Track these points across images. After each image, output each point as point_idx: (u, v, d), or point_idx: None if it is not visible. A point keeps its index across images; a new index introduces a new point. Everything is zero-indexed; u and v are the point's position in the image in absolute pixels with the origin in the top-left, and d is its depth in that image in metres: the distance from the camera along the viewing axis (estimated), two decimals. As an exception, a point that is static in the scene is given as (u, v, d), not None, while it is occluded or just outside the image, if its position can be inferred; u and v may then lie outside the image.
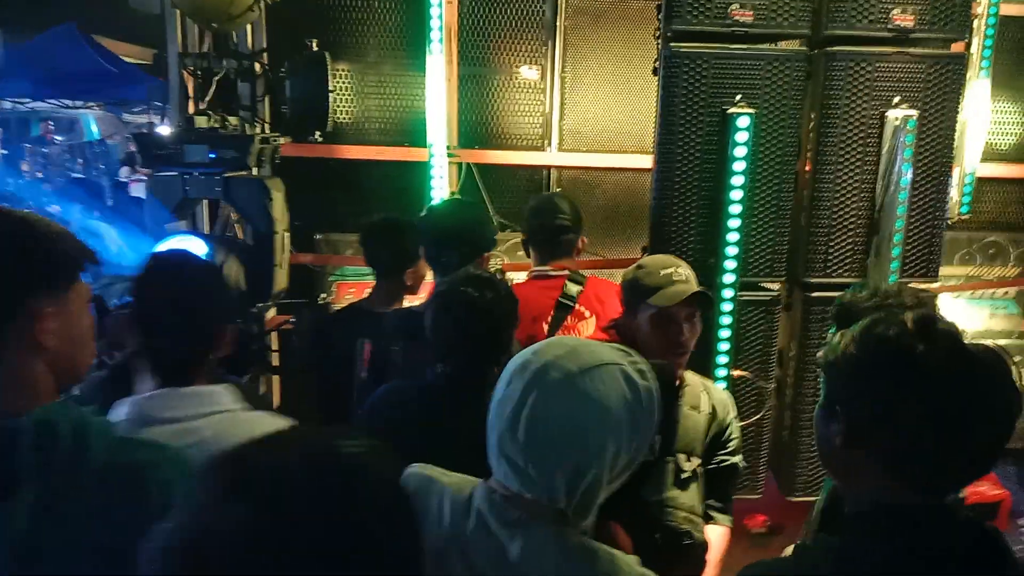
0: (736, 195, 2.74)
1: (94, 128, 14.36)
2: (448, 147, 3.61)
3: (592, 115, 3.80)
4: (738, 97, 2.73)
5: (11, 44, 10.64)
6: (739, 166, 2.72)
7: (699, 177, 2.80)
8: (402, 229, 2.67)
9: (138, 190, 10.33)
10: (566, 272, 2.83)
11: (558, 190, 3.85)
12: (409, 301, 2.75)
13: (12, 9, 10.90)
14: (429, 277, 2.70)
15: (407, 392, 1.94)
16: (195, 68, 3.29)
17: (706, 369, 2.69)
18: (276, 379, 3.71)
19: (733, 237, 2.77)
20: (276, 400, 3.77)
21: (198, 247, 2.47)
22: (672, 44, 2.73)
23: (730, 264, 2.78)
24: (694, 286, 2.12)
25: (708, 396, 2.21)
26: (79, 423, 1.08)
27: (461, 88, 3.67)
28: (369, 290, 2.80)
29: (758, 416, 2.93)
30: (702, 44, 2.73)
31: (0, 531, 1.00)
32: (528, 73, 3.75)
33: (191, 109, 3.26)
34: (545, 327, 2.73)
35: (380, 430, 1.85)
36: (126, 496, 1.08)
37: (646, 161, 3.59)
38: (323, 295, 3.63)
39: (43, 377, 1.10)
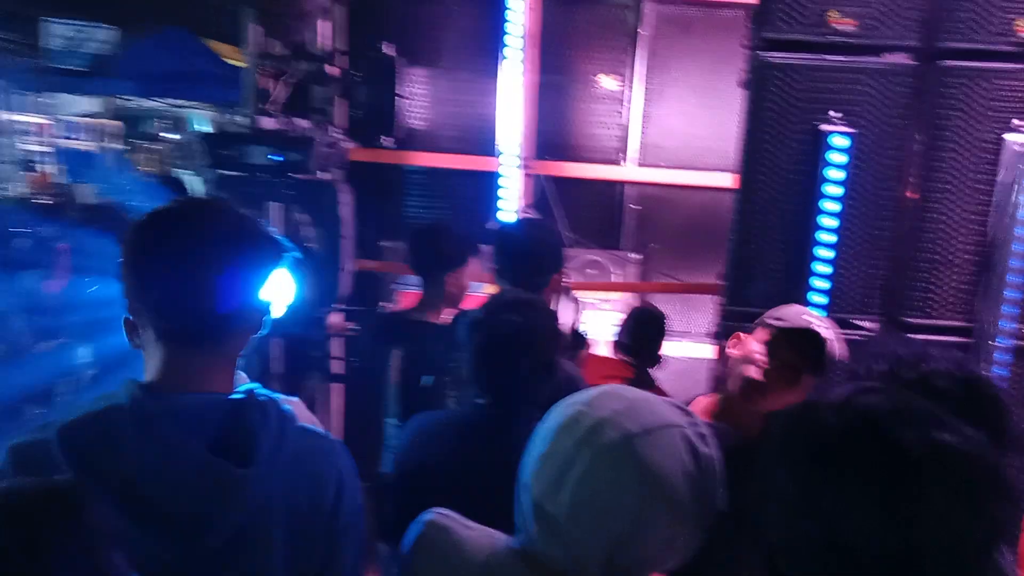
0: (828, 222, 2.49)
1: (199, 126, 14.99)
2: (521, 157, 3.47)
3: (674, 129, 3.59)
4: (834, 114, 2.48)
5: (126, 45, 11.18)
6: (833, 190, 2.47)
7: (786, 200, 2.56)
8: (439, 232, 2.57)
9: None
10: None
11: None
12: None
13: (129, 12, 11.46)
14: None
15: (442, 427, 1.80)
16: (270, 69, 3.28)
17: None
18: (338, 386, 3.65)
19: (823, 268, 2.51)
20: (337, 406, 3.71)
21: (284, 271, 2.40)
22: (762, 53, 2.51)
23: (818, 299, 2.53)
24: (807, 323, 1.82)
25: None
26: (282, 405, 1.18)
27: (537, 97, 3.52)
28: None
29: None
30: (795, 54, 2.50)
31: (238, 495, 1.08)
32: (608, 83, 3.58)
33: (268, 110, 3.24)
34: None
35: (413, 472, 1.74)
36: (311, 480, 1.16)
37: (729, 180, 3.37)
38: (383, 303, 3.54)
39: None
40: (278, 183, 2.67)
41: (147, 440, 1.05)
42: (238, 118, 3.44)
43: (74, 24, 10.17)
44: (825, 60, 2.49)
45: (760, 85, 2.53)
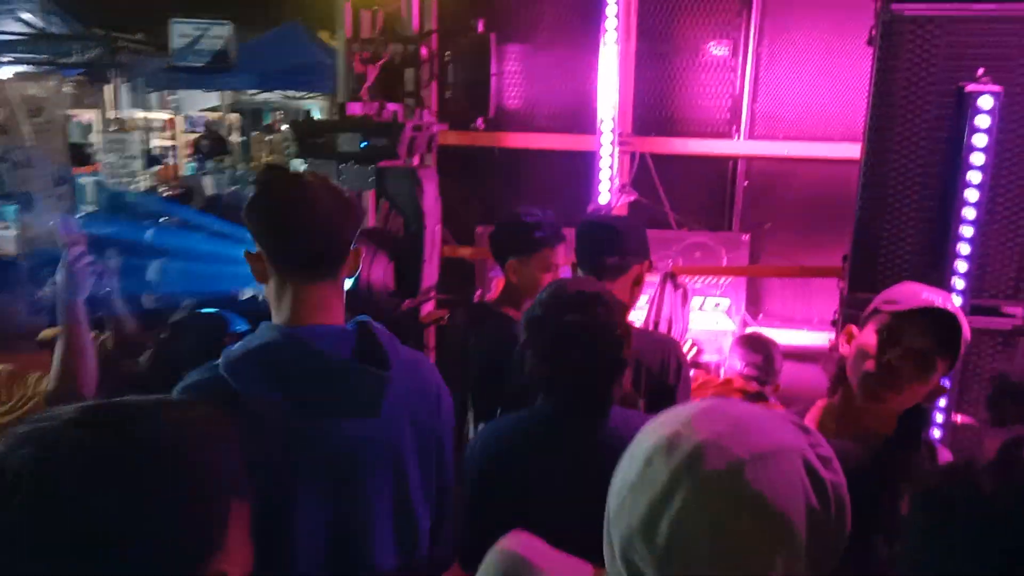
0: (972, 195, 2.17)
1: (318, 116, 15.50)
2: (620, 134, 3.27)
3: (791, 96, 3.27)
4: (980, 71, 2.15)
5: (242, 41, 11.63)
6: (978, 158, 2.15)
7: (922, 171, 2.26)
8: (511, 221, 2.42)
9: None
10: None
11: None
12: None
13: (244, 8, 11.90)
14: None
15: (510, 435, 1.69)
16: (363, 53, 3.21)
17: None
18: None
19: (965, 248, 2.20)
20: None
21: None
22: (895, 5, 2.20)
23: (959, 282, 2.22)
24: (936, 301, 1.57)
25: (933, 463, 1.68)
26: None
27: (638, 68, 3.30)
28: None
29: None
30: (934, 4, 2.18)
31: (385, 390, 1.34)
32: (717, 49, 3.30)
33: (365, 96, 3.18)
34: None
35: (482, 486, 1.65)
36: (423, 386, 1.47)
37: (855, 150, 3.04)
38: (479, 290, 3.43)
39: None
40: (366, 171, 2.59)
41: (305, 358, 1.29)
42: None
43: (195, 22, 10.61)
44: (970, 9, 2.16)
45: (891, 41, 2.23)
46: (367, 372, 1.32)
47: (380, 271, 2.56)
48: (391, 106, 3.02)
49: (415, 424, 1.42)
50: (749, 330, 3.46)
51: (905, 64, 2.22)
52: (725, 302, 3.47)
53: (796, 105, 3.27)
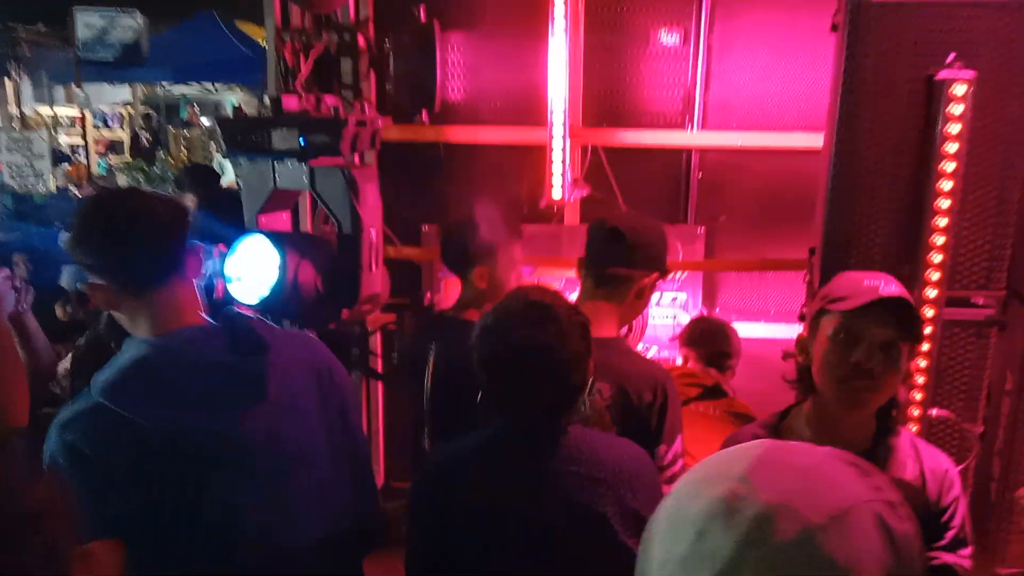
0: (945, 185, 2.11)
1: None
2: (571, 127, 3.13)
3: (745, 85, 3.19)
4: (951, 57, 2.09)
5: (155, 32, 11.05)
6: (951, 147, 2.09)
7: (894, 162, 2.19)
8: (462, 226, 2.30)
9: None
10: None
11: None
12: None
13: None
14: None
15: (452, 452, 1.59)
16: (294, 43, 2.98)
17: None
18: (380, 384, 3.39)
19: (940, 239, 2.14)
20: (379, 407, 3.45)
21: (267, 251, 2.12)
22: (862, -10, 2.12)
23: (934, 274, 2.16)
24: (891, 291, 1.52)
25: (919, 462, 1.62)
26: None
27: (588, 59, 3.16)
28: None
29: (961, 467, 2.29)
30: (903, -12, 2.11)
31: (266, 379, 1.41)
32: (667, 38, 3.19)
33: (300, 88, 2.94)
34: None
35: (424, 504, 1.57)
36: (309, 355, 1.58)
37: (812, 140, 2.98)
38: (428, 293, 3.25)
39: None
40: (300, 170, 2.37)
41: (179, 364, 1.32)
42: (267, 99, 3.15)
43: (100, 11, 9.99)
44: (940, -7, 2.10)
45: (859, 28, 2.14)
46: (244, 361, 1.37)
47: (308, 279, 2.35)
48: (329, 100, 2.80)
49: (315, 402, 1.46)
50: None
51: (873, 51, 2.14)
52: (682, 296, 3.38)
53: (750, 94, 3.19)
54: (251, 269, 2.28)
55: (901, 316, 1.46)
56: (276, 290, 2.27)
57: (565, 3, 2.99)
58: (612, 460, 1.50)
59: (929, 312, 2.16)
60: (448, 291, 3.24)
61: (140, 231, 1.35)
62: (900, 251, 2.22)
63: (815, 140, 2.85)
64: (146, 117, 13.54)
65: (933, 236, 2.15)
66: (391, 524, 1.70)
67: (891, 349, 1.46)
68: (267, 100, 2.78)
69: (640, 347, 2.99)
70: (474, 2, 3.19)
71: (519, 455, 1.50)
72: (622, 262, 1.95)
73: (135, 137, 12.73)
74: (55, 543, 0.77)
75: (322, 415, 1.47)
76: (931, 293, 2.18)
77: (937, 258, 2.15)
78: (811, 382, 1.58)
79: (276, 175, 2.52)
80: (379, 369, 3.27)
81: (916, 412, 2.22)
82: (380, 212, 2.64)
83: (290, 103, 2.53)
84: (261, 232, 2.14)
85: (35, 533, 0.74)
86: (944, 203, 2.12)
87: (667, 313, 3.38)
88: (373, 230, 2.53)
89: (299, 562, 1.43)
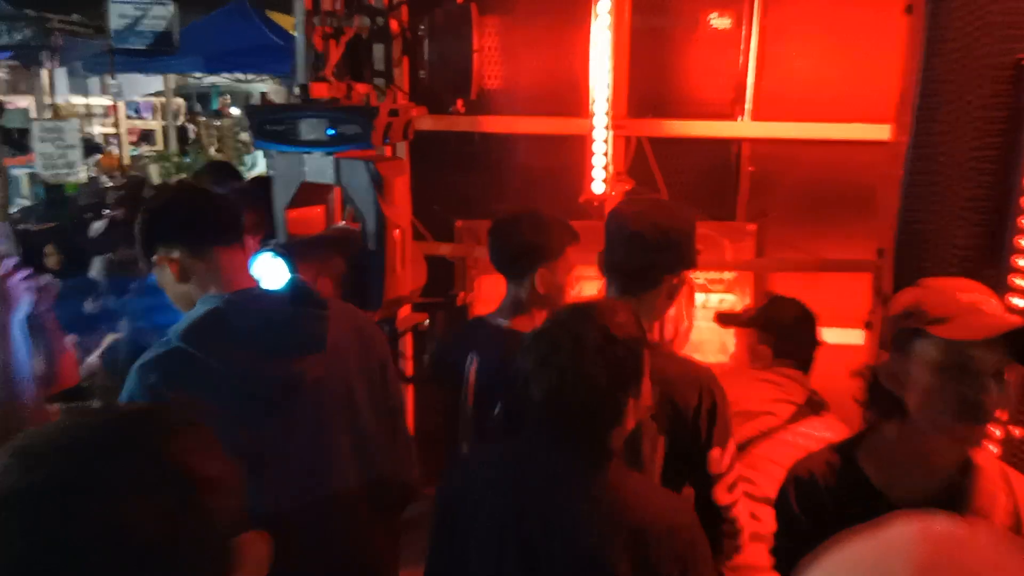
0: (1036, 182, 1.91)
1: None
2: (614, 117, 2.95)
3: (799, 74, 2.98)
4: (1044, 40, 1.89)
5: (186, 22, 11.02)
6: (1043, 140, 1.89)
7: (976, 155, 1.99)
8: (521, 220, 2.14)
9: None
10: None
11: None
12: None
13: (186, -14, 11.28)
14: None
15: (477, 460, 1.59)
16: (324, 28, 2.83)
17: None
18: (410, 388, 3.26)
19: (1026, 242, 1.95)
20: (409, 411, 3.32)
21: (279, 271, 1.98)
22: (945, -34, 1.93)
23: (1019, 280, 1.97)
24: (1012, 317, 1.36)
25: (1011, 496, 1.44)
26: None
27: (633, 44, 2.97)
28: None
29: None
30: (990, -36, 1.91)
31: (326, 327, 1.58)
32: (718, 22, 3.00)
33: (330, 76, 2.80)
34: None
35: (443, 512, 1.51)
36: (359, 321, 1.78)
37: (873, 131, 2.78)
38: (462, 293, 3.10)
39: None
40: (328, 162, 2.23)
41: (249, 313, 1.48)
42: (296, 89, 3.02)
43: (134, 2, 9.96)
44: (1033, -32, 1.90)
45: (940, 10, 1.95)
46: (307, 314, 1.52)
47: (326, 291, 2.21)
48: (360, 88, 2.66)
49: (358, 355, 1.60)
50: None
51: (956, 34, 1.95)
52: (730, 298, 3.20)
53: (805, 82, 2.98)
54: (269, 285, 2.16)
55: (1012, 339, 1.28)
56: None
57: (609, -15, 2.82)
58: (643, 513, 1.38)
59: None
60: (482, 291, 3.09)
61: (212, 196, 1.66)
62: (981, 255, 2.03)
63: (876, 131, 2.68)
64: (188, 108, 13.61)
65: (1019, 238, 1.95)
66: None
67: (1001, 376, 1.29)
68: (296, 89, 2.65)
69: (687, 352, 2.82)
70: (512, -16, 3.02)
71: (545, 482, 1.40)
72: (646, 266, 1.78)
73: (182, 128, 12.78)
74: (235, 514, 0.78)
75: (364, 369, 1.60)
76: (1017, 302, 1.98)
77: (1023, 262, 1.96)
78: (896, 406, 1.41)
79: (305, 167, 2.40)
80: (409, 372, 3.14)
81: (997, 432, 2.03)
82: (409, 208, 2.50)
83: (319, 91, 2.40)
84: (271, 250, 2.01)
85: (222, 499, 0.76)
86: (1034, 201, 1.92)
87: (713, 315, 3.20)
88: (399, 228, 2.38)
89: (340, 509, 1.52)
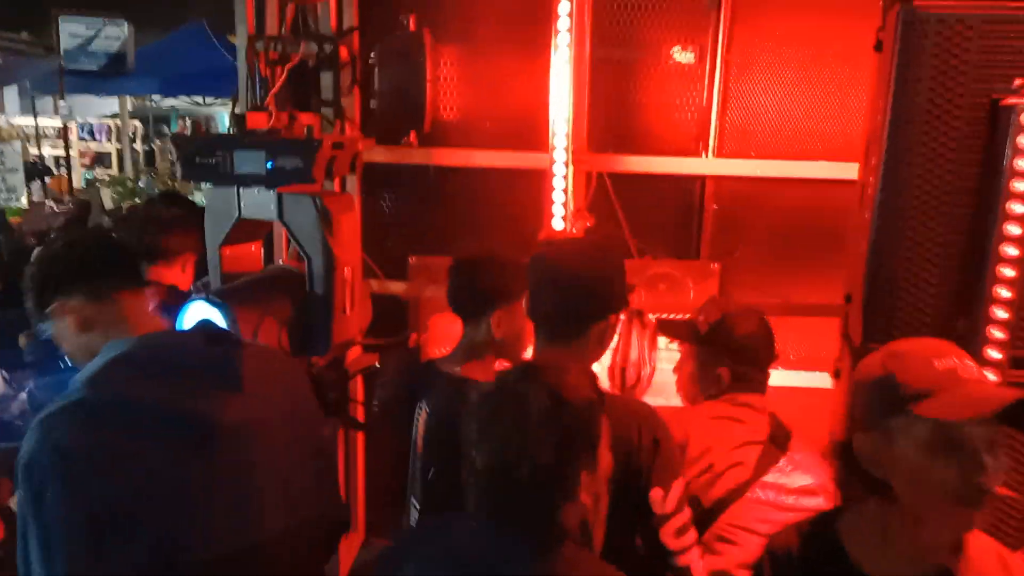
0: (1013, 229, 1.82)
1: (228, 124, 14.58)
2: (573, 152, 2.84)
3: (765, 110, 2.90)
4: (1019, 82, 1.81)
5: (142, 43, 10.78)
6: (1020, 185, 1.80)
7: (950, 200, 1.90)
8: (481, 263, 2.08)
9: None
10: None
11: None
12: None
13: (143, 9, 11.04)
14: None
15: (413, 540, 1.43)
16: (269, 54, 2.68)
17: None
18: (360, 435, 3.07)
19: (1003, 291, 1.85)
20: (359, 457, 3.13)
21: (215, 316, 1.81)
22: (917, 1, 1.84)
23: (997, 332, 1.87)
24: (1003, 389, 1.25)
25: None
26: None
27: (594, 77, 2.87)
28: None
29: (1024, 552, 1.99)
30: (964, 2, 1.83)
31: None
32: (681, 56, 2.91)
33: (271, 105, 2.64)
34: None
35: None
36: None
37: (841, 170, 2.70)
38: (414, 334, 2.94)
39: None
40: (267, 198, 2.07)
41: (160, 356, 1.43)
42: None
43: (86, 20, 9.70)
44: (1007, 7, 1.82)
45: (912, 46, 1.86)
46: (222, 354, 1.45)
47: (271, 337, 2.04)
48: (304, 118, 2.50)
49: (280, 394, 1.53)
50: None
51: (928, 73, 1.86)
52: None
53: (771, 118, 2.90)
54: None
55: (1011, 413, 1.16)
56: None
57: (570, 14, 2.71)
58: None
59: (991, 377, 1.86)
60: (436, 331, 2.93)
61: (112, 242, 1.65)
62: (955, 304, 1.92)
63: (844, 170, 2.60)
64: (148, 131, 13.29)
65: (996, 288, 1.86)
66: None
67: (995, 447, 1.17)
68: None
69: (649, 399, 2.68)
70: (470, 11, 2.89)
71: (487, 569, 1.24)
72: (571, 314, 1.68)
73: (149, 152, 12.45)
74: None
75: (287, 409, 1.54)
76: (992, 353, 1.88)
77: (1001, 313, 1.86)
78: (878, 485, 1.28)
79: (241, 203, 2.22)
80: (360, 417, 2.95)
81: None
82: (358, 246, 2.34)
83: (257, 121, 2.23)
84: (205, 298, 1.84)
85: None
86: (1011, 250, 1.83)
87: (677, 356, 3.07)
88: (348, 267, 2.22)
89: (268, 550, 1.46)
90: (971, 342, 1.88)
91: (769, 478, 1.96)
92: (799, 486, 1.94)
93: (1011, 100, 1.79)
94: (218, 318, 1.81)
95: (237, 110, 2.65)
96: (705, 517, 1.89)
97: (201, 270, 2.69)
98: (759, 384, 2.15)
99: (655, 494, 1.61)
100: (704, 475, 1.96)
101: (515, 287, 1.97)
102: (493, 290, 2.01)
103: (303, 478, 1.53)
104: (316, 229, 2.02)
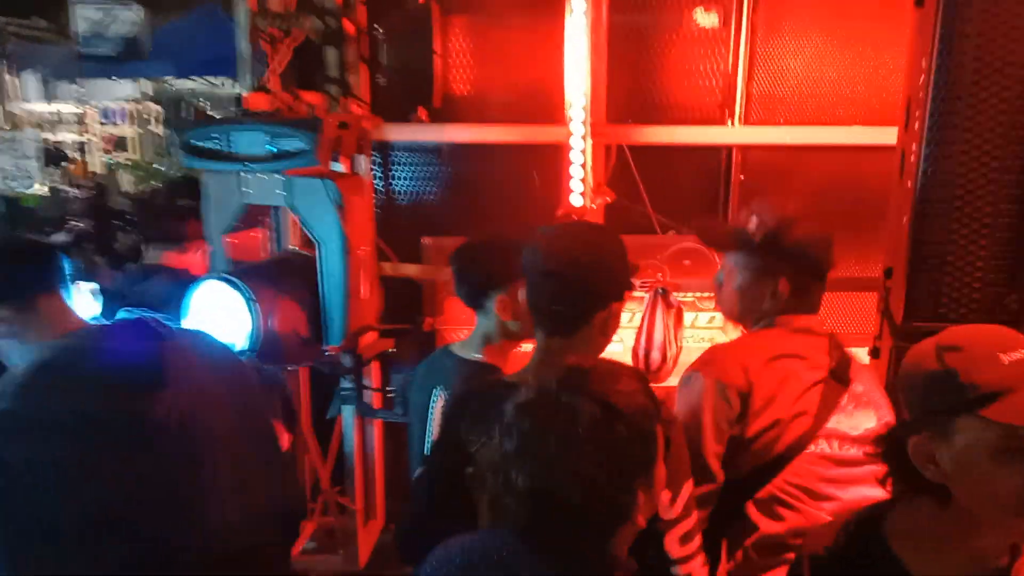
0: (1070, 196, 1.68)
1: (242, 106, 14.55)
2: (591, 124, 2.71)
3: (794, 74, 2.74)
4: (1078, 34, 1.66)
5: (156, 25, 10.71)
6: (1079, 149, 1.66)
7: (999, 166, 1.76)
8: (478, 247, 1.99)
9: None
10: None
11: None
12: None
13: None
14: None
15: (451, 555, 1.17)
16: (272, 30, 2.57)
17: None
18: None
19: (1059, 264, 1.71)
20: (378, 445, 3.07)
21: (230, 299, 1.73)
22: (964, -49, 1.69)
23: (1051, 308, 1.74)
24: None
25: None
26: None
27: (612, 44, 2.73)
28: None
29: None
30: (1017, -52, 1.68)
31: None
32: (704, 19, 2.76)
33: (274, 84, 2.54)
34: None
35: None
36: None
37: (875, 135, 2.56)
38: (429, 319, 2.84)
39: None
40: (275, 182, 1.98)
41: (90, 359, 1.36)
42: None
43: (99, 5, 9.66)
44: (1065, -47, 1.66)
45: (957, 3, 1.71)
46: (154, 349, 1.39)
47: (287, 321, 1.96)
48: (309, 97, 2.40)
49: (226, 386, 1.48)
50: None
51: (976, 29, 1.71)
52: (720, 316, 2.96)
53: (800, 83, 2.75)
54: (216, 317, 1.89)
55: None
56: (252, 341, 1.89)
57: (585, -21, 2.57)
58: None
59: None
60: (452, 314, 2.84)
61: (28, 248, 1.67)
62: (1005, 277, 1.79)
63: (880, 135, 2.45)
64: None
65: (1052, 260, 1.72)
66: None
67: None
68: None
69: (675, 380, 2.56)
70: (479, -19, 2.76)
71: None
72: (570, 306, 1.54)
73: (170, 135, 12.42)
74: None
75: (234, 402, 1.50)
76: (1048, 330, 1.74)
77: (1056, 287, 1.72)
78: (932, 486, 1.16)
79: (245, 187, 2.14)
80: (377, 404, 2.88)
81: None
82: (372, 229, 2.24)
83: (258, 101, 2.13)
84: (224, 277, 1.76)
85: None
86: (1068, 219, 1.69)
87: (705, 335, 2.96)
88: (362, 249, 2.13)
89: (224, 544, 1.42)
90: (1022, 317, 1.76)
91: (831, 424, 1.77)
92: (863, 431, 1.75)
93: (1068, 56, 1.65)
94: (236, 298, 1.74)
95: (239, 90, 2.55)
96: (763, 474, 1.74)
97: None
98: (816, 299, 1.84)
99: (664, 497, 1.50)
100: (770, 432, 1.76)
101: (511, 268, 1.86)
102: (488, 276, 1.91)
103: (253, 470, 1.51)
104: (328, 212, 1.93)
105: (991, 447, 1.07)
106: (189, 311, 1.87)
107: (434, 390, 2.01)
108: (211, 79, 13.35)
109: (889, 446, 1.23)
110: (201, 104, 14.22)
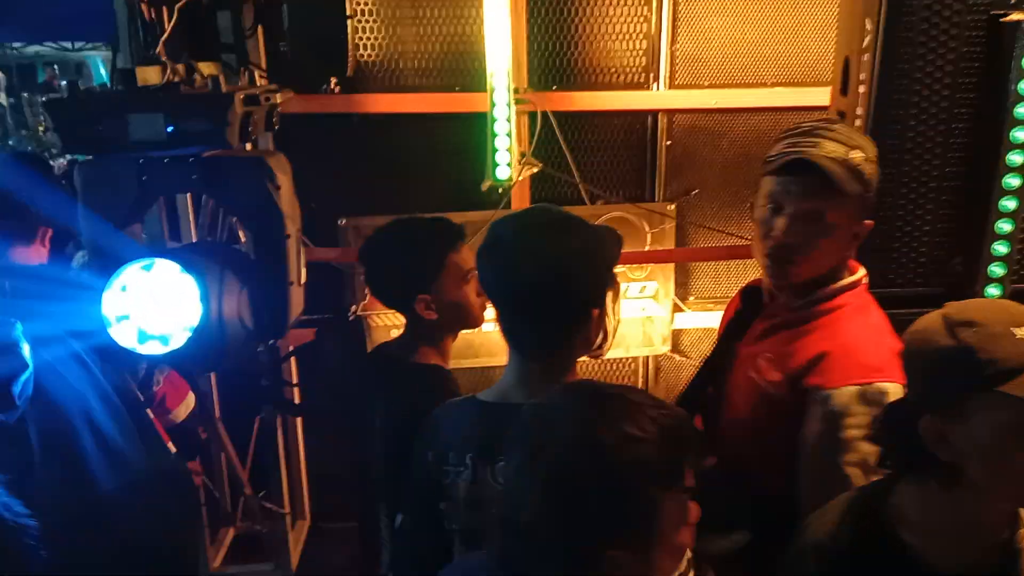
0: (1017, 158, 1.69)
1: (104, 71, 13.42)
2: (516, 90, 2.56)
3: (720, 34, 2.69)
4: (1021, -5, 1.65)
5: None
6: (1024, 111, 1.66)
7: (945, 130, 1.75)
8: (391, 240, 1.79)
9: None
10: None
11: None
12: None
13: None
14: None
15: None
16: (154, -7, 2.26)
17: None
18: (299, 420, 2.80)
19: (1005, 226, 1.73)
20: (299, 441, 2.87)
21: (181, 282, 1.51)
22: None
23: (997, 269, 1.76)
24: None
25: None
26: None
27: (532, 6, 2.58)
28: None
29: None
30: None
31: None
32: (626, -23, 2.64)
33: (163, 54, 2.23)
34: None
35: None
36: None
37: (801, 97, 2.54)
38: (354, 306, 2.65)
39: None
40: (185, 167, 1.73)
41: None
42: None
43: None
44: (1009, -89, 1.64)
45: (903, -40, 1.67)
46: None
47: (233, 306, 1.74)
48: (205, 68, 2.12)
49: (68, 367, 1.48)
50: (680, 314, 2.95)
51: (925, -10, 1.67)
52: (652, 286, 2.92)
53: (725, 44, 2.70)
54: (149, 305, 1.63)
55: None
56: (202, 334, 1.64)
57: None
58: None
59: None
60: (376, 303, 2.66)
61: None
62: (953, 241, 1.80)
63: (810, 96, 2.44)
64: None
65: (998, 223, 1.73)
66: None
67: None
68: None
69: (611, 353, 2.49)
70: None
71: None
72: (546, 329, 1.31)
73: (16, 106, 11.25)
74: None
75: (91, 380, 1.50)
76: (993, 291, 1.77)
77: (1002, 249, 1.74)
78: (939, 467, 1.13)
79: (143, 176, 1.86)
80: (296, 401, 2.67)
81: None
82: (299, 211, 2.02)
83: (150, 76, 1.85)
84: (167, 254, 1.52)
85: None
86: (1013, 180, 1.70)
87: (636, 306, 2.91)
88: (292, 236, 1.92)
89: (108, 507, 1.44)
90: (972, 281, 1.78)
91: None
92: None
93: (1015, 16, 1.63)
94: (183, 283, 1.51)
95: (120, 63, 2.24)
96: None
97: (57, 243, 2.29)
98: None
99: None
100: None
101: (431, 260, 1.71)
102: (403, 280, 1.73)
103: (124, 438, 1.51)
104: (262, 195, 1.69)
105: (1011, 424, 1.04)
106: (109, 300, 1.59)
107: (374, 400, 1.85)
108: (64, 43, 12.22)
109: (894, 425, 1.19)
110: (53, 70, 13.01)
